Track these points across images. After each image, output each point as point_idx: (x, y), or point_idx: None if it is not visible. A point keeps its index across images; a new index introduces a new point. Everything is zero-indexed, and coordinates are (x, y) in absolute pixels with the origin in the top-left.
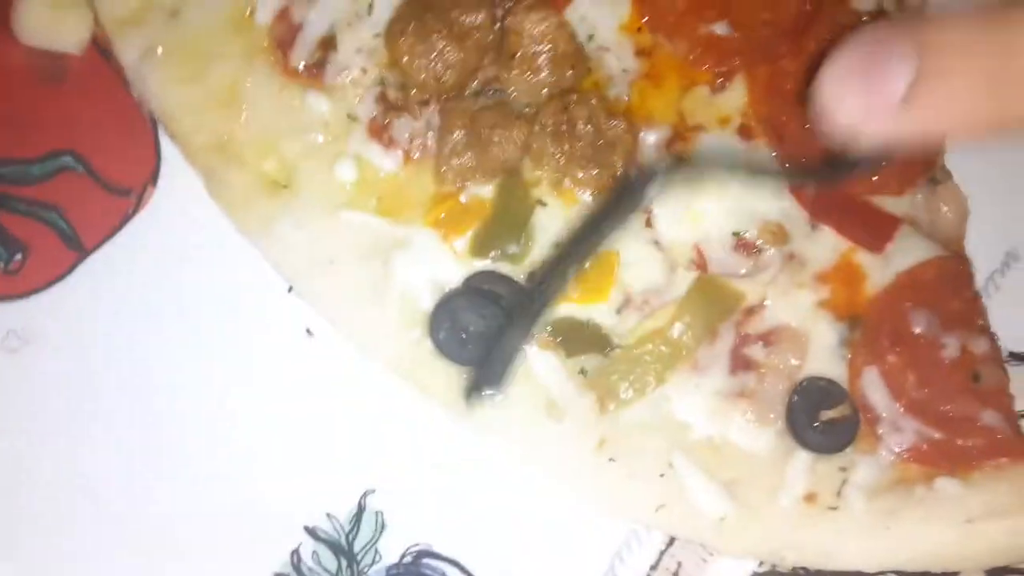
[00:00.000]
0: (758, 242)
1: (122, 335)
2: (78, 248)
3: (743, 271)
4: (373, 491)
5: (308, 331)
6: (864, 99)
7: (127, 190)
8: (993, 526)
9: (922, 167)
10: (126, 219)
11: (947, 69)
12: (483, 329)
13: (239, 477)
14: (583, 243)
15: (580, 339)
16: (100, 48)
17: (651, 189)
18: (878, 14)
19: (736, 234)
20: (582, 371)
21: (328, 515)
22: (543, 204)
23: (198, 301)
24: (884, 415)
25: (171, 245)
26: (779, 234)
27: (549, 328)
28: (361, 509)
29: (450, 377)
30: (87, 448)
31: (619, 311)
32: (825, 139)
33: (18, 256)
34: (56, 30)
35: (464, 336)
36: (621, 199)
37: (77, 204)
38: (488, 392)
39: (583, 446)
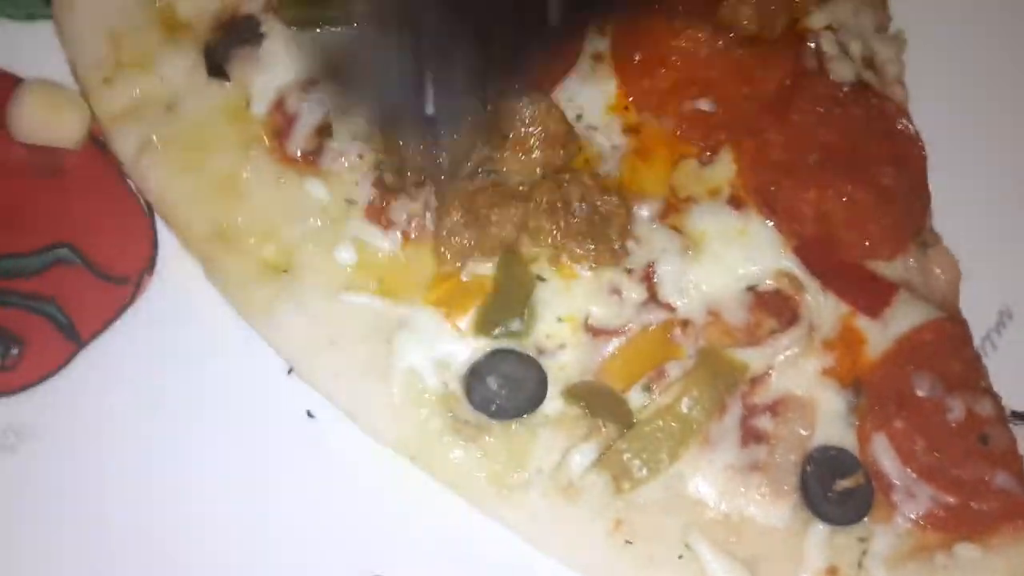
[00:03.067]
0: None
1: (122, 427)
2: (75, 339)
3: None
4: None
5: (309, 413)
6: None
7: (124, 279)
8: None
9: (911, 231)
10: (123, 308)
11: None
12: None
13: (238, 568)
14: None
15: (603, 405)
16: (97, 141)
17: None
18: (858, 85)
19: (752, 288)
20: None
21: None
22: (542, 279)
23: (197, 388)
24: (897, 482)
25: (169, 332)
26: (794, 281)
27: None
28: None
29: (458, 458)
30: (88, 547)
31: (646, 389)
32: None
33: (14, 351)
34: (52, 127)
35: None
36: None
37: (73, 295)
38: None
39: (599, 528)
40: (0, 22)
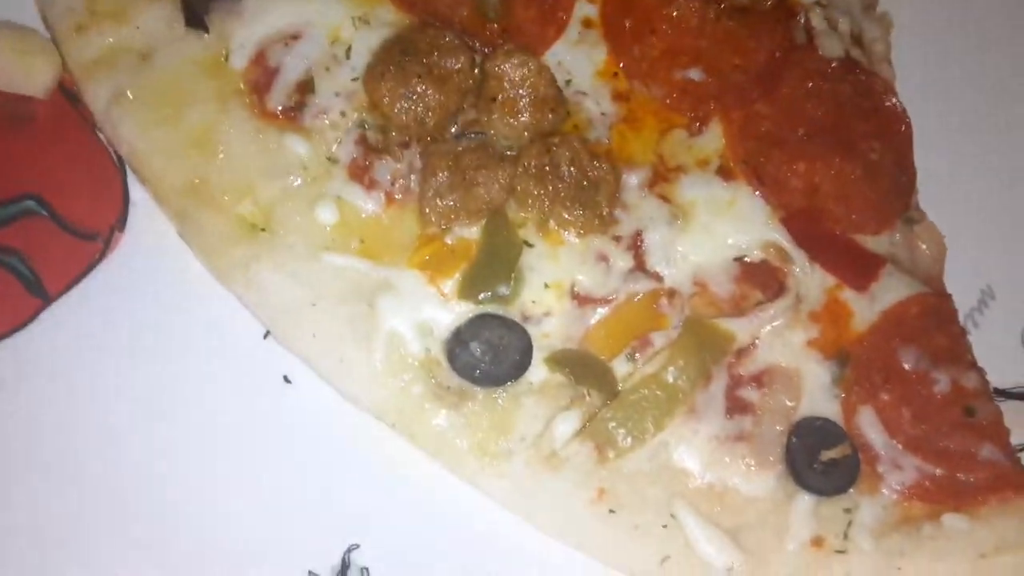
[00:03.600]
0: (762, 262)
1: (88, 385)
2: (41, 295)
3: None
4: (357, 546)
5: (286, 378)
6: None
7: (93, 234)
8: (1006, 559)
9: (898, 206)
10: (92, 265)
11: None
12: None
13: (213, 535)
14: None
15: (588, 373)
16: (67, 92)
17: None
18: (847, 61)
19: (739, 259)
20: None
21: (310, 573)
22: (530, 245)
23: (168, 349)
24: (883, 453)
25: (139, 291)
26: (781, 252)
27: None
28: (345, 565)
29: (440, 425)
30: (51, 503)
31: (630, 358)
32: None
33: None
34: (22, 74)
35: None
36: None
37: (40, 249)
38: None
39: (582, 497)
40: None
